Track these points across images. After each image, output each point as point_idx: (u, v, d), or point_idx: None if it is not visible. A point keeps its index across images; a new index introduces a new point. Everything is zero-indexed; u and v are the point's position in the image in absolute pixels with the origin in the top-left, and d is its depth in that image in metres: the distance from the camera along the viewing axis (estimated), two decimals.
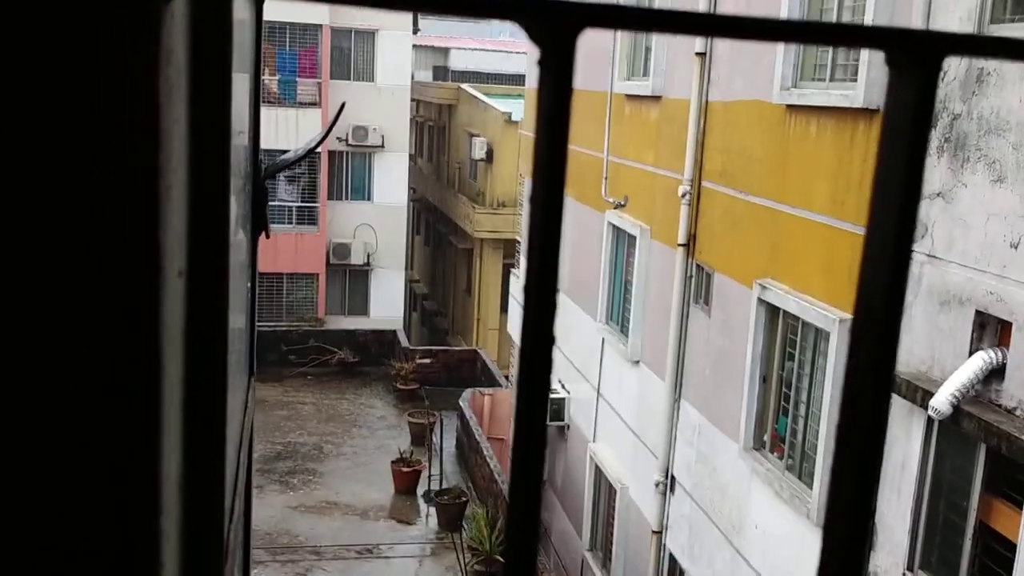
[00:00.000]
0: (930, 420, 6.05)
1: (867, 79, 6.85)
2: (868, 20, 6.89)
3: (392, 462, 16.85)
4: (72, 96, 0.40)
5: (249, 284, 1.58)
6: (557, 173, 0.49)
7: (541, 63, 0.49)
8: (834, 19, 7.57)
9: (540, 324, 0.47)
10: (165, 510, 0.50)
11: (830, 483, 0.52)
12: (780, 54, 8.02)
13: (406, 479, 16.66)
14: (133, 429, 0.44)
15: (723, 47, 9.31)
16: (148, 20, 0.41)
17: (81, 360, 0.44)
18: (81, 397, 0.44)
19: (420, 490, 16.68)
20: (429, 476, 16.57)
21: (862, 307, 0.53)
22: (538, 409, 0.50)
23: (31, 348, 0.44)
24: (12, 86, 0.40)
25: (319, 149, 24.01)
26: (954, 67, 6.02)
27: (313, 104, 24.18)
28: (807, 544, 7.53)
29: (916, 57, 0.50)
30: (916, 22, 6.32)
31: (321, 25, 24.03)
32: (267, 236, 1.64)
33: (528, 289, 0.48)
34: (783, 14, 8.00)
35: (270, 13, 25.74)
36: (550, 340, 0.50)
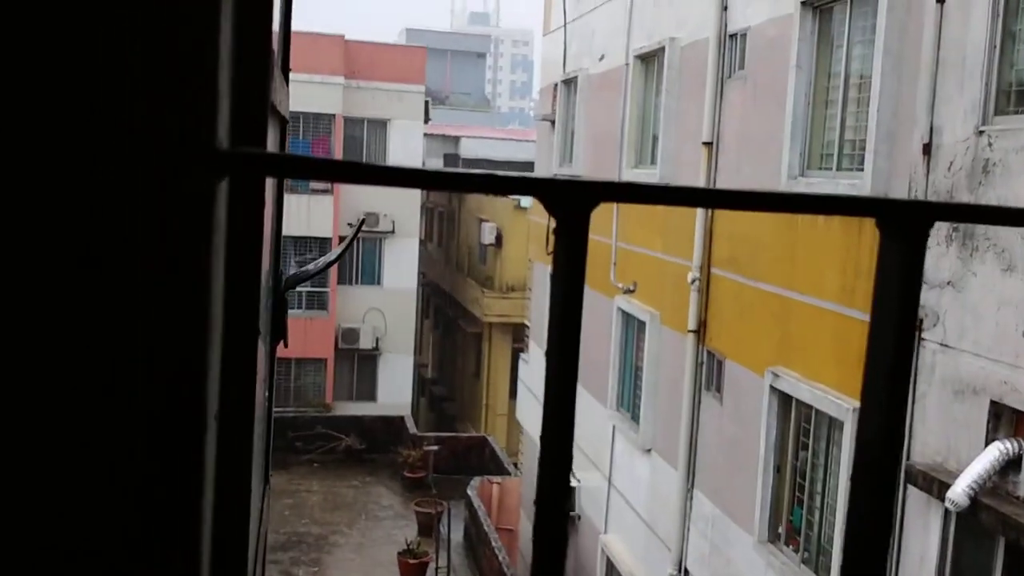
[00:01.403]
0: (947, 512, 5.94)
1: (874, 168, 6.96)
2: (872, 112, 7.04)
3: (399, 553, 16.52)
4: (134, 272, 0.44)
5: (267, 393, 1.61)
6: (572, 331, 0.52)
7: (557, 232, 0.53)
8: (839, 115, 7.74)
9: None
10: None
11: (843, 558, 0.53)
12: (787, 142, 8.18)
13: (413, 571, 16.30)
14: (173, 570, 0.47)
15: (730, 136, 9.50)
16: (206, 197, 0.45)
17: (126, 507, 0.47)
18: (126, 546, 0.47)
19: None
20: (436, 568, 16.21)
21: (864, 467, 0.55)
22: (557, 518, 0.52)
23: (85, 490, 0.47)
24: (98, 256, 0.44)
25: (330, 236, 24.31)
26: (959, 156, 6.12)
27: (325, 192, 24.60)
28: None
29: (904, 224, 0.54)
30: (920, 115, 6.46)
31: (334, 115, 24.62)
32: (285, 346, 1.68)
33: (544, 448, 0.51)
34: (787, 123, 8.18)
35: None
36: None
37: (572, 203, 0.49)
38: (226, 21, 0.50)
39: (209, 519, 0.54)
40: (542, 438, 0.53)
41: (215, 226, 0.49)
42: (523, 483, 17.08)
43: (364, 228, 25.19)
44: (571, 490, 13.43)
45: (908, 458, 6.41)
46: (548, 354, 0.54)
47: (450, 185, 0.48)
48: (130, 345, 0.44)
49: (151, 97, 0.43)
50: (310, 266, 2.92)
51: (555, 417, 0.49)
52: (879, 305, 0.55)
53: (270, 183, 1.30)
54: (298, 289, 24.99)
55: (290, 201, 24.15)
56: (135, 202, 0.43)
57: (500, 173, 0.49)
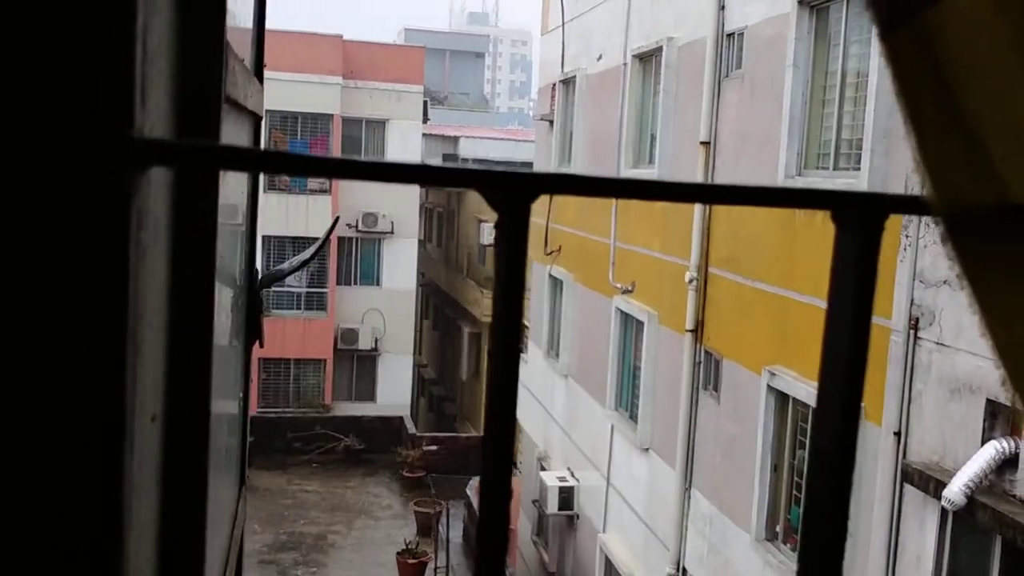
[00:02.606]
0: (944, 511, 5.93)
1: (871, 167, 6.95)
2: (869, 111, 7.02)
3: (398, 553, 16.51)
4: (41, 265, 0.42)
5: (242, 395, 1.60)
6: (513, 325, 0.50)
7: (497, 226, 0.51)
8: (836, 113, 7.72)
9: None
10: None
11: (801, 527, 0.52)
12: (784, 141, 8.16)
13: (412, 571, 16.29)
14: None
15: (728, 136, 9.49)
16: (119, 189, 0.44)
17: (41, 510, 0.45)
18: (42, 548, 0.45)
19: None
20: (435, 568, 16.20)
21: (820, 460, 0.54)
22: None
23: None
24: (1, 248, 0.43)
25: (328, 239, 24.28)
26: None
27: (323, 191, 24.58)
28: None
29: (860, 216, 0.53)
30: None
31: (332, 115, 24.61)
32: (261, 345, 1.66)
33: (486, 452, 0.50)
34: (784, 122, 8.17)
35: (283, 103, 26.24)
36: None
37: (512, 195, 0.48)
38: (156, 13, 0.49)
39: (148, 522, 0.53)
40: (484, 438, 0.52)
41: (145, 220, 0.48)
42: (522, 482, 17.07)
43: (363, 229, 25.19)
44: (563, 487, 13.42)
45: (904, 457, 6.40)
46: (489, 353, 0.52)
47: (383, 176, 0.46)
48: (34, 341, 0.43)
49: (60, 86, 0.42)
50: (284, 265, 2.90)
51: (495, 435, 0.47)
52: (835, 297, 0.54)
53: (236, 178, 1.29)
54: (297, 290, 24.98)
55: (288, 201, 24.19)
56: (41, 193, 0.42)
57: (435, 164, 0.48)
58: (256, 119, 1.53)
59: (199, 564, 0.69)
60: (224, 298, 1.10)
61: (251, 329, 1.54)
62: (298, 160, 0.46)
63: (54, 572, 0.45)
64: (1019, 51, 0.45)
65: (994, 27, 0.45)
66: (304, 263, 2.76)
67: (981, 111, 0.47)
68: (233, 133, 1.16)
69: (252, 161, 0.46)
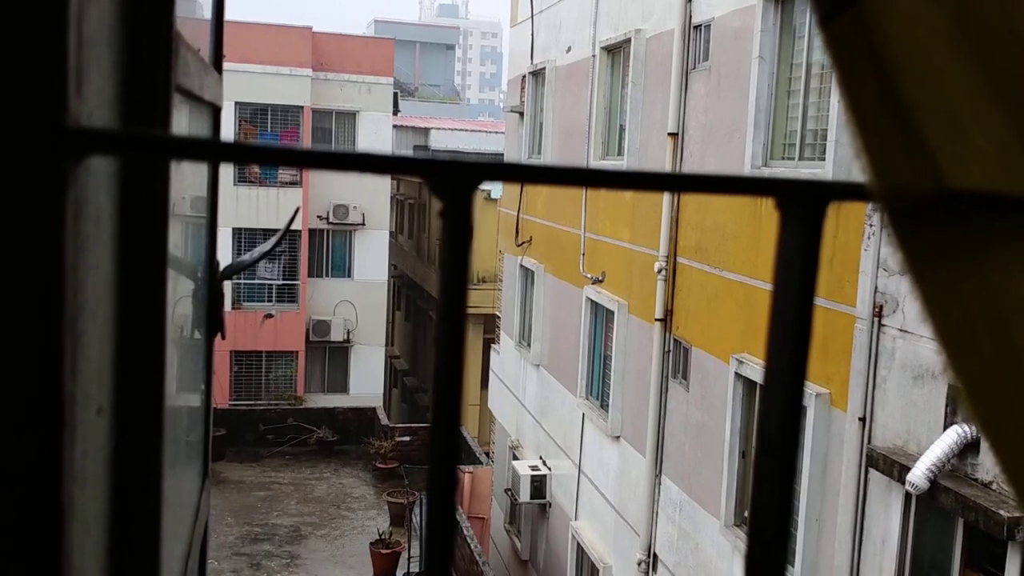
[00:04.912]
0: (908, 495, 6.03)
1: (835, 157, 7.02)
2: (834, 102, 7.10)
3: (371, 544, 16.50)
4: None
5: (204, 386, 1.59)
6: (457, 311, 0.51)
7: (441, 214, 0.51)
8: (801, 104, 7.79)
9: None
10: None
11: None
12: (750, 132, 8.22)
13: (385, 561, 16.29)
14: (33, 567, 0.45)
15: (695, 127, 9.54)
16: (52, 179, 0.43)
17: None
18: None
19: (400, 572, 16.30)
20: (409, 558, 16.21)
21: (765, 441, 0.55)
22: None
23: None
24: None
25: (299, 228, 24.13)
26: None
27: (294, 184, 24.40)
28: None
29: (803, 204, 0.53)
30: None
31: (303, 107, 24.42)
32: (223, 338, 1.65)
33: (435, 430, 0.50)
34: (750, 113, 8.23)
35: (253, 95, 25.98)
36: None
37: (455, 183, 0.48)
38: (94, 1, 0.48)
39: (96, 515, 0.53)
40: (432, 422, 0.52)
41: (83, 210, 0.47)
42: (494, 472, 17.11)
43: (334, 221, 25.04)
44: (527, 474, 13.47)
45: (869, 442, 6.49)
46: (436, 340, 0.53)
47: (327, 164, 0.46)
48: None
49: None
50: (246, 256, 2.89)
51: (442, 395, 0.47)
52: (779, 284, 0.55)
53: (195, 168, 1.27)
54: (268, 282, 24.80)
55: (259, 194, 23.99)
56: None
57: (378, 152, 0.48)
58: (215, 110, 1.52)
59: (154, 557, 0.68)
60: (181, 289, 1.09)
61: (212, 321, 1.53)
62: (241, 149, 0.46)
63: None
64: (953, 40, 0.45)
65: (929, 16, 0.46)
66: (265, 254, 2.75)
67: (918, 98, 0.48)
68: (189, 124, 1.15)
69: (195, 150, 0.46)
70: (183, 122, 1.03)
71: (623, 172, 0.53)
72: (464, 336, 0.50)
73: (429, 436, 0.51)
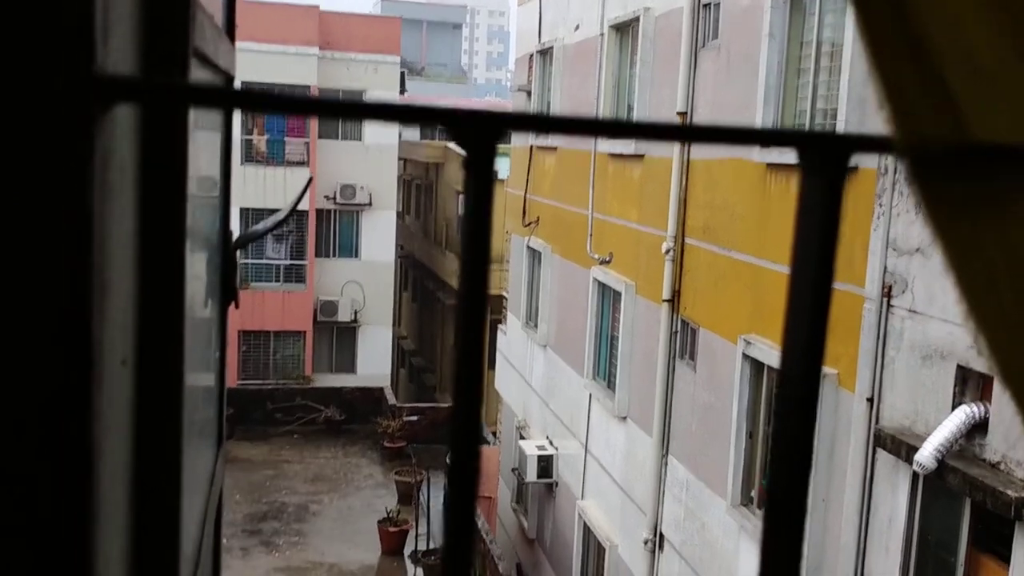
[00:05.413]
0: (915, 475, 6.04)
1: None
2: (844, 80, 7.05)
3: (379, 522, 16.62)
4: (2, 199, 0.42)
5: (218, 353, 1.59)
6: (481, 264, 0.51)
7: (466, 165, 0.52)
8: (811, 83, 7.74)
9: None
10: None
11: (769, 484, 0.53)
12: (760, 110, 8.17)
13: (393, 539, 16.41)
14: (63, 521, 0.45)
15: (704, 105, 9.49)
16: (81, 127, 0.43)
17: (10, 434, 0.46)
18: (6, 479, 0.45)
19: (407, 550, 16.42)
20: (416, 536, 16.33)
21: (784, 399, 0.55)
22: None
23: None
24: None
25: (307, 209, 24.14)
26: None
27: (301, 163, 24.39)
28: None
29: (825, 157, 0.53)
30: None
31: (309, 86, 24.36)
32: (236, 306, 1.66)
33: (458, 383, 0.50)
34: (759, 92, 8.17)
35: (259, 75, 25.94)
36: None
37: (479, 133, 0.48)
38: None
39: (119, 462, 0.53)
40: (453, 393, 0.52)
41: (110, 160, 0.48)
42: (501, 451, 17.18)
43: (342, 201, 25.03)
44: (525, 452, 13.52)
45: (877, 422, 6.50)
46: (458, 295, 0.53)
47: (347, 113, 0.46)
48: None
49: (17, 20, 0.41)
50: (259, 225, 2.89)
51: (465, 349, 0.48)
52: (800, 241, 0.55)
53: (208, 136, 1.28)
54: (275, 262, 24.84)
55: (266, 174, 23.97)
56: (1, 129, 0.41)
57: (397, 103, 0.48)
58: (228, 78, 1.52)
59: (175, 502, 0.69)
60: (197, 253, 1.10)
61: (226, 289, 1.54)
62: (264, 98, 0.46)
63: (24, 493, 0.45)
64: None
65: None
66: (278, 223, 2.75)
67: (940, 43, 0.48)
68: None
69: (217, 98, 0.46)
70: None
71: (641, 123, 0.53)
72: (487, 286, 0.50)
73: (452, 387, 0.51)
